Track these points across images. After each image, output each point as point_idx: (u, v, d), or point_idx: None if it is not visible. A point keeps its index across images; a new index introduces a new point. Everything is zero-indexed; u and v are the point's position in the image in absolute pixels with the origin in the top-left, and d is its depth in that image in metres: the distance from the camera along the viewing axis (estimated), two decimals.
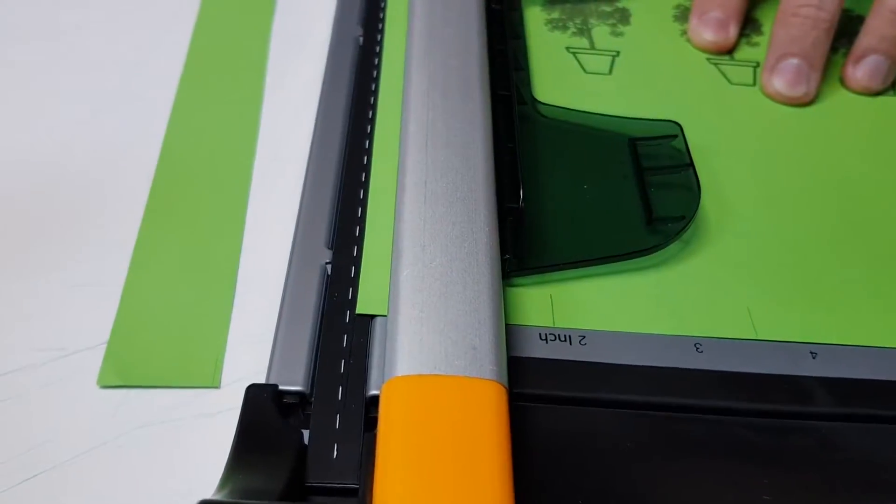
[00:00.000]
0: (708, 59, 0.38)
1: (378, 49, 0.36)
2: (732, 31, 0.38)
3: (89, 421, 0.26)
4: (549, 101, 0.34)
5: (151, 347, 0.28)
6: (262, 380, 0.27)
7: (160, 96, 0.38)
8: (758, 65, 0.38)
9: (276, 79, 0.39)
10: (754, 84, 0.37)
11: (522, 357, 0.24)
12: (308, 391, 0.24)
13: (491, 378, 0.21)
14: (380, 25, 0.37)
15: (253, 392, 0.23)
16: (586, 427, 0.23)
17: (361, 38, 0.37)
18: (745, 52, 0.39)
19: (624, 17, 0.40)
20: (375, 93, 0.34)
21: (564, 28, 0.39)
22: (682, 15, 0.40)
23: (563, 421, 0.23)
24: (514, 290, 0.27)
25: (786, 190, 0.31)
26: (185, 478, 0.25)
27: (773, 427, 0.24)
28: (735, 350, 0.25)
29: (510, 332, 0.25)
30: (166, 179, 0.34)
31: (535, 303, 0.26)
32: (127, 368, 0.27)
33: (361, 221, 0.29)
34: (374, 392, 0.24)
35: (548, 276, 0.27)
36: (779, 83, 0.36)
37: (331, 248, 0.28)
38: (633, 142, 0.31)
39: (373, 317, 0.26)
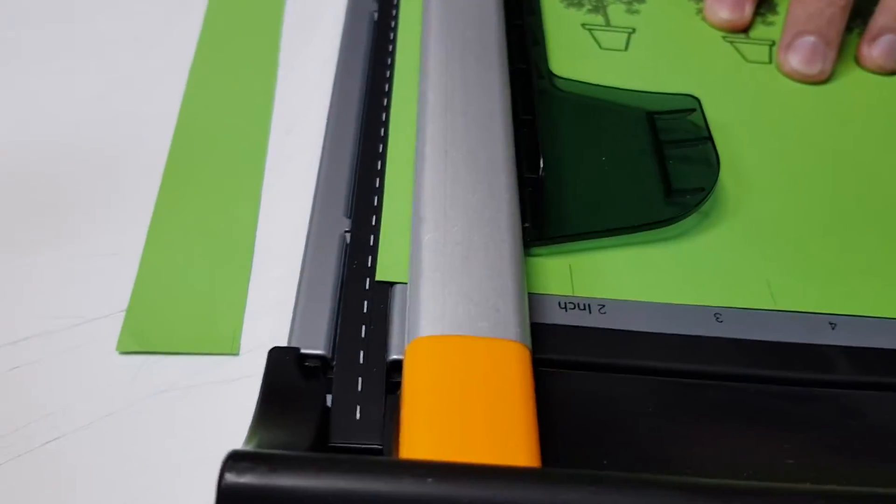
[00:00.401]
0: (724, 38, 0.38)
1: (393, 24, 0.36)
2: (748, 9, 0.38)
3: (108, 387, 0.26)
4: (566, 76, 0.34)
5: (170, 314, 0.28)
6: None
7: (174, 74, 0.38)
8: (773, 43, 0.38)
9: (290, 54, 0.39)
10: (770, 62, 0.37)
11: (542, 323, 0.24)
12: (329, 355, 0.24)
13: (515, 339, 0.21)
14: (394, 1, 0.37)
15: (276, 354, 0.23)
16: (607, 392, 0.23)
17: (376, 14, 0.37)
18: (760, 30, 0.39)
19: None
20: (391, 66, 0.34)
21: (580, 5, 0.39)
22: None
23: (584, 386, 0.23)
24: (534, 259, 0.27)
25: (802, 165, 0.31)
26: (205, 444, 0.25)
27: (794, 394, 0.24)
28: (755, 320, 0.25)
29: (530, 301, 0.25)
30: (182, 153, 0.34)
31: (555, 272, 0.26)
32: (146, 334, 0.27)
33: (379, 191, 0.29)
34: (395, 356, 0.24)
35: (567, 246, 0.27)
36: (795, 61, 0.36)
37: (349, 218, 0.28)
38: (652, 115, 0.31)
39: (392, 284, 0.26)
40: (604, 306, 0.25)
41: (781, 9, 0.40)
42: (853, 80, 0.36)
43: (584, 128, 0.31)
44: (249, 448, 0.18)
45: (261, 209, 0.32)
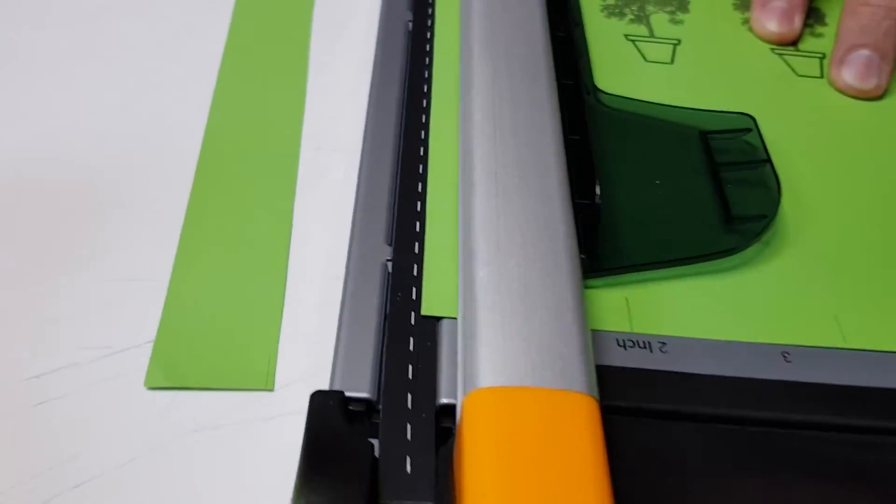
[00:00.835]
0: (772, 50, 0.36)
1: (429, 35, 0.34)
2: (797, 21, 0.36)
3: (137, 425, 0.25)
4: (610, 91, 0.32)
5: (200, 346, 0.27)
6: (316, 382, 0.26)
7: (200, 82, 0.37)
8: (824, 56, 0.36)
9: (320, 61, 0.38)
10: (821, 76, 0.35)
11: (601, 365, 0.23)
12: (375, 398, 0.22)
13: (582, 391, 0.19)
14: (430, 10, 0.36)
15: (319, 400, 0.22)
16: (673, 442, 0.21)
17: (411, 24, 0.35)
18: (809, 42, 0.37)
19: (682, 4, 0.38)
20: (429, 80, 0.32)
21: (621, 15, 0.37)
22: (743, 3, 0.38)
23: (647, 436, 0.22)
24: (588, 292, 0.25)
25: (865, 187, 0.30)
26: (242, 486, 0.24)
27: (869, 444, 0.22)
28: (824, 359, 0.24)
29: None
30: (210, 167, 0.33)
31: (611, 306, 0.25)
32: (175, 369, 0.26)
33: (421, 216, 0.27)
34: (445, 401, 0.22)
35: (622, 277, 0.25)
36: (849, 76, 0.34)
37: (391, 245, 0.26)
38: (705, 135, 0.29)
39: (439, 319, 0.24)
40: (665, 344, 0.24)
41: (831, 20, 0.38)
42: None
43: (634, 148, 0.29)
44: None
45: (293, 230, 0.31)
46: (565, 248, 0.22)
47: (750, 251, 0.27)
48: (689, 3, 0.38)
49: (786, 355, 0.24)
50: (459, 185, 0.27)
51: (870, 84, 0.34)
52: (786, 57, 0.36)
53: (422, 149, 0.29)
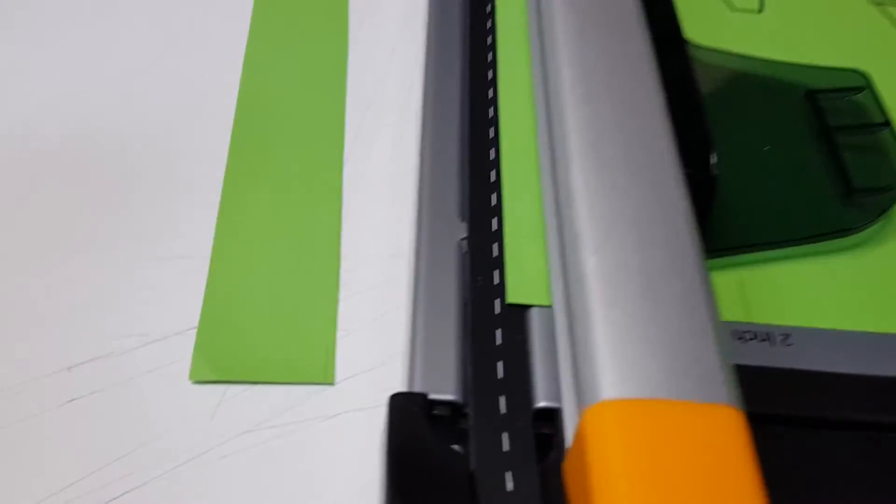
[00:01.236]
0: (868, 1, 0.32)
1: None
2: None
3: (183, 425, 0.22)
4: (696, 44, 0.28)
5: (249, 335, 0.24)
6: (382, 374, 0.23)
7: (231, 36, 0.33)
8: None
9: (361, 15, 0.34)
10: None
11: None
12: (462, 401, 0.19)
13: (726, 402, 0.16)
14: None
15: (400, 404, 0.19)
16: (817, 455, 0.18)
17: None
18: None
19: None
20: (492, 32, 0.29)
21: None
22: None
23: (783, 446, 0.19)
24: None
25: None
26: (303, 494, 0.21)
27: None
28: None
29: None
30: (246, 134, 0.29)
31: (725, 292, 0.22)
32: (222, 360, 0.23)
33: (497, 188, 0.24)
34: (543, 404, 0.19)
35: (734, 258, 0.22)
36: None
37: (465, 222, 0.23)
38: (813, 94, 0.26)
39: (527, 307, 0.21)
40: (788, 336, 0.21)
41: None
42: None
43: (735, 109, 0.26)
44: None
45: (344, 202, 0.27)
46: (686, 231, 0.19)
47: (873, 227, 0.23)
48: None
49: None
50: (542, 153, 0.24)
51: None
52: (886, 7, 0.32)
53: (491, 110, 0.26)
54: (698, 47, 0.28)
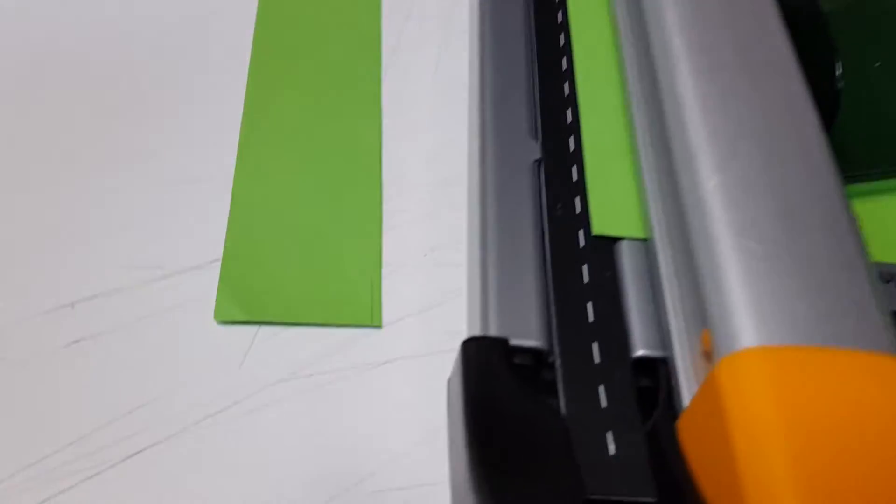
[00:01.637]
0: None
1: None
2: None
3: (208, 373, 0.19)
4: None
5: (280, 269, 0.20)
6: (435, 316, 0.20)
7: None
8: None
9: None
10: None
11: None
12: (546, 348, 0.16)
13: (890, 351, 0.13)
14: None
15: (476, 350, 0.15)
16: None
17: None
18: None
19: None
20: None
21: None
22: None
23: None
24: None
25: None
26: (351, 454, 0.18)
27: None
28: None
29: None
30: (270, 41, 0.25)
31: None
32: (251, 298, 0.20)
33: (572, 102, 0.20)
34: (642, 352, 0.16)
35: (855, 187, 0.19)
36: None
37: (537, 140, 0.20)
38: None
39: (616, 239, 0.18)
40: None
41: None
42: None
43: (847, 18, 0.22)
44: None
45: (384, 118, 0.24)
46: (821, 145, 0.16)
47: None
48: None
49: None
50: (629, 57, 0.20)
51: None
52: None
53: (560, 13, 0.22)
54: None
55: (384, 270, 0.21)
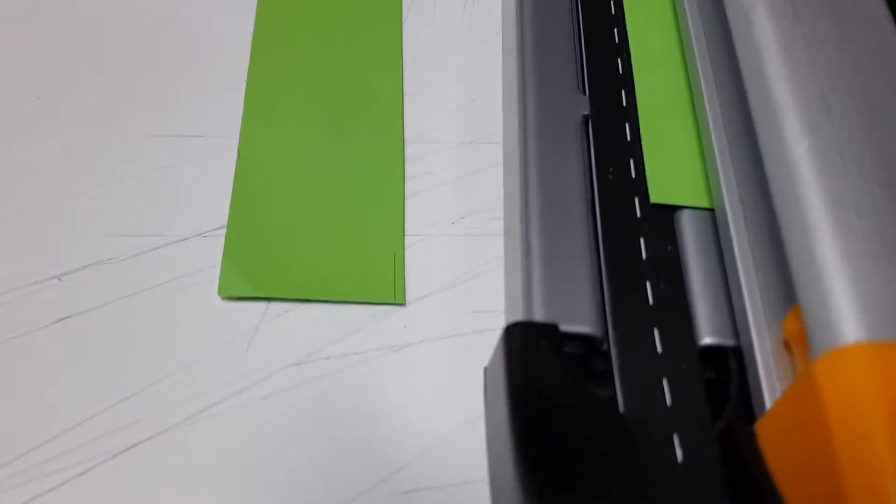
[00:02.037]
0: None
1: None
2: None
3: (212, 356, 0.17)
4: None
5: (291, 238, 0.18)
6: (464, 293, 0.18)
7: None
8: None
9: None
10: None
11: None
12: (599, 334, 0.14)
13: None
14: None
15: (520, 338, 0.13)
16: None
17: None
18: None
19: None
20: None
21: None
22: None
23: None
24: None
25: None
26: (373, 449, 0.16)
27: None
28: None
29: None
30: None
31: None
32: (259, 271, 0.18)
33: (622, 51, 0.18)
34: (708, 340, 0.14)
35: None
36: None
37: (585, 94, 0.17)
38: None
39: (676, 208, 0.16)
40: None
41: None
42: None
43: None
44: None
45: (405, 70, 0.21)
46: None
47: None
48: None
49: None
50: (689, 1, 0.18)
51: None
52: None
53: None
54: None
55: (407, 241, 0.19)
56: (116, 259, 0.18)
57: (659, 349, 0.14)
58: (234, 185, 0.19)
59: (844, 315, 0.11)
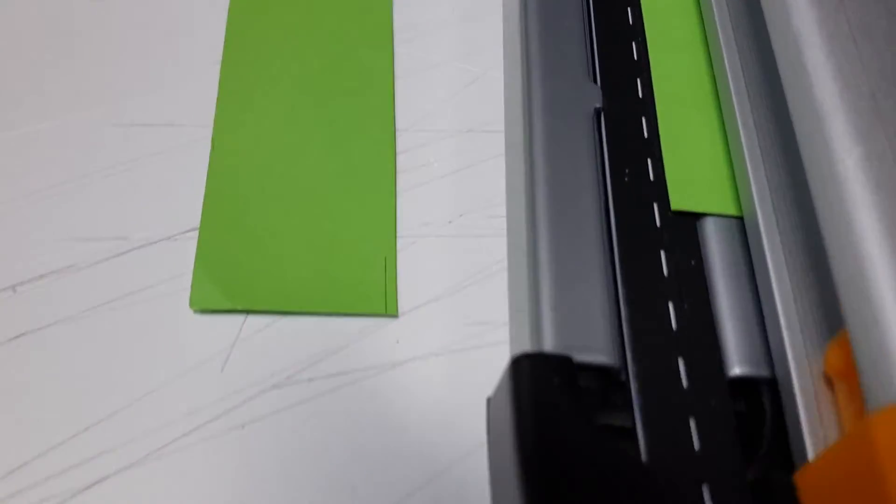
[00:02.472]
0: None
1: None
2: None
3: (182, 377, 0.15)
4: None
5: (270, 242, 0.16)
6: (463, 302, 0.16)
7: None
8: None
9: None
10: None
11: None
12: (616, 364, 0.12)
13: None
14: None
15: (529, 370, 0.12)
16: None
17: None
18: None
19: None
20: None
21: None
22: None
23: None
24: None
25: None
26: (366, 487, 0.14)
27: None
28: None
29: None
30: None
31: None
32: (235, 280, 0.16)
33: (636, 34, 0.16)
34: (740, 370, 0.12)
35: None
36: None
37: (596, 82, 0.16)
38: None
39: (699, 216, 0.14)
40: None
41: None
42: None
43: None
44: None
45: (395, 47, 0.19)
46: None
47: None
48: None
49: None
50: None
51: None
52: None
53: None
54: None
55: (399, 243, 0.17)
56: (75, 267, 0.16)
57: (684, 383, 0.12)
58: (207, 180, 0.17)
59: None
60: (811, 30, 0.13)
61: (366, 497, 0.14)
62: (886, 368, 0.10)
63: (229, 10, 0.20)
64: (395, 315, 0.16)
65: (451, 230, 0.17)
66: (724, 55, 0.15)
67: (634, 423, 0.12)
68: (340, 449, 0.14)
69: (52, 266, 0.16)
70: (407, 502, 0.14)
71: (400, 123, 0.18)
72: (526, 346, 0.12)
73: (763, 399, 0.12)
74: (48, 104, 0.18)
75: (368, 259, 0.16)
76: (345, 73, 0.19)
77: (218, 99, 0.18)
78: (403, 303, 0.16)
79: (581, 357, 0.12)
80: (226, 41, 0.19)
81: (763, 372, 0.12)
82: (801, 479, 0.11)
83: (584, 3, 0.17)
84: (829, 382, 0.12)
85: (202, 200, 0.17)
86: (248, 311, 0.16)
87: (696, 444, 0.12)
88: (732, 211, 0.14)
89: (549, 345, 0.12)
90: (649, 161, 0.15)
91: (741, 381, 0.13)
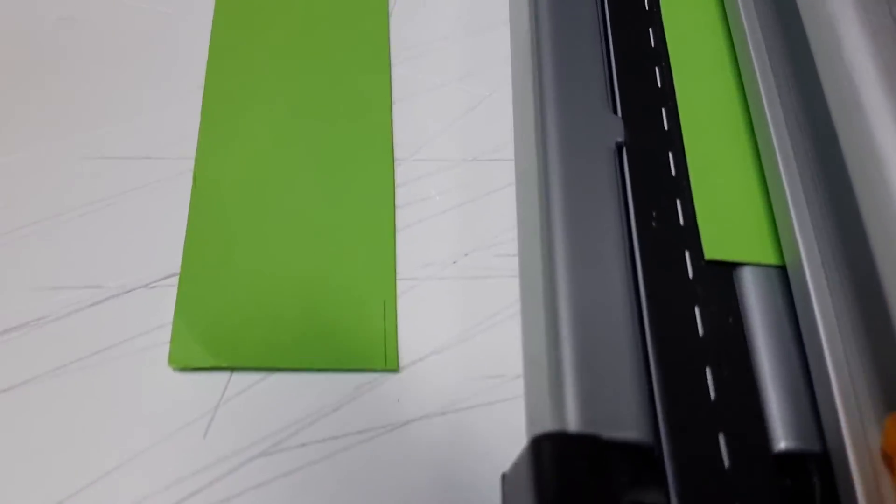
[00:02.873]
0: None
1: None
2: None
3: (162, 443, 0.13)
4: None
5: (257, 290, 0.15)
6: (472, 353, 0.15)
7: None
8: None
9: None
10: None
11: None
12: (650, 441, 0.11)
13: None
14: None
15: (551, 452, 0.10)
16: None
17: None
18: None
19: None
20: None
21: None
22: None
23: None
24: None
25: None
26: None
27: None
28: None
29: None
30: None
31: None
32: (218, 334, 0.14)
33: (659, 58, 0.15)
34: (786, 445, 0.11)
35: None
36: None
37: (616, 113, 0.14)
38: None
39: (735, 265, 0.13)
40: None
41: None
42: None
43: None
44: None
45: (393, 69, 0.18)
46: None
47: None
48: None
49: None
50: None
51: None
52: None
53: None
54: None
55: (399, 286, 0.15)
56: (44, 320, 0.14)
57: (726, 461, 0.11)
58: (188, 220, 0.15)
59: None
60: (863, 57, 0.11)
61: None
62: None
63: (212, 28, 0.18)
64: (395, 370, 0.14)
65: (454, 271, 0.16)
66: (759, 79, 0.14)
67: None
68: None
69: (18, 319, 0.14)
70: None
71: (398, 152, 0.17)
72: (546, 423, 0.11)
73: (812, 477, 0.11)
74: (13, 135, 0.16)
75: (366, 306, 0.15)
76: (338, 97, 0.17)
77: (200, 128, 0.17)
78: (404, 355, 0.15)
79: (609, 434, 0.11)
80: (208, 63, 0.18)
81: (813, 447, 0.11)
82: None
83: (601, 23, 0.15)
84: (889, 460, 0.10)
85: (183, 243, 0.15)
86: (233, 369, 0.14)
87: None
88: (773, 260, 0.12)
89: (573, 423, 0.11)
90: (678, 202, 0.13)
91: (788, 456, 0.11)
